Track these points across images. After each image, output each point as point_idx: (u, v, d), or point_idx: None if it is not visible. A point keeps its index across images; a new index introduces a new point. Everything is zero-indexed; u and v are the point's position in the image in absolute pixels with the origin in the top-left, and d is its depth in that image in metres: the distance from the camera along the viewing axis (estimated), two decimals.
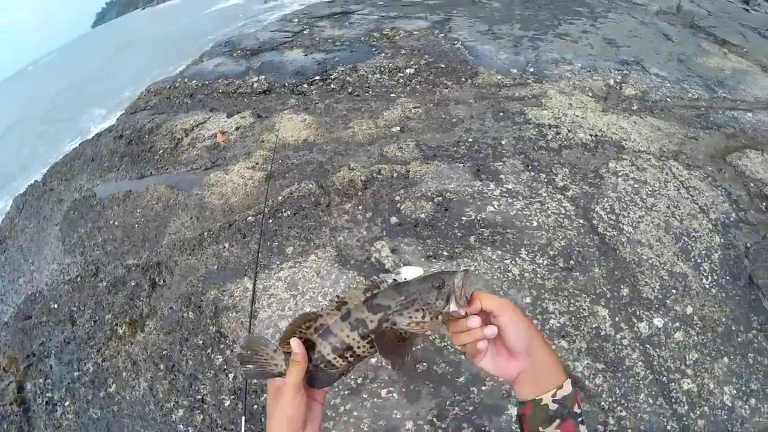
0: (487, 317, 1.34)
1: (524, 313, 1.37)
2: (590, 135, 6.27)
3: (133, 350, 4.68)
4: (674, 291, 4.15)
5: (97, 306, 5.50)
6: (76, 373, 4.92)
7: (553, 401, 1.27)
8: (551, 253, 4.45)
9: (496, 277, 4.26)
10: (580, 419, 1.29)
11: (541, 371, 1.33)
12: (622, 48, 9.71)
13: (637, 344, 3.77)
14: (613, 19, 11.59)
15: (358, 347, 1.37)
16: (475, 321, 1.29)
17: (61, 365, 5.10)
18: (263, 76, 10.34)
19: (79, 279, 6.01)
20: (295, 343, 1.35)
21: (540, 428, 1.28)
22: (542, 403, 1.28)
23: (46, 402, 4.91)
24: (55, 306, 5.87)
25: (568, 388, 1.30)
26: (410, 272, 1.50)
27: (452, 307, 1.30)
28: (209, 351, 4.37)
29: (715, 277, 4.40)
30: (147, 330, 4.81)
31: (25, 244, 7.69)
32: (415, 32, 11.28)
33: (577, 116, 6.73)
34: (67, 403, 4.72)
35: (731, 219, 5.10)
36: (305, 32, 13.20)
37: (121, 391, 4.40)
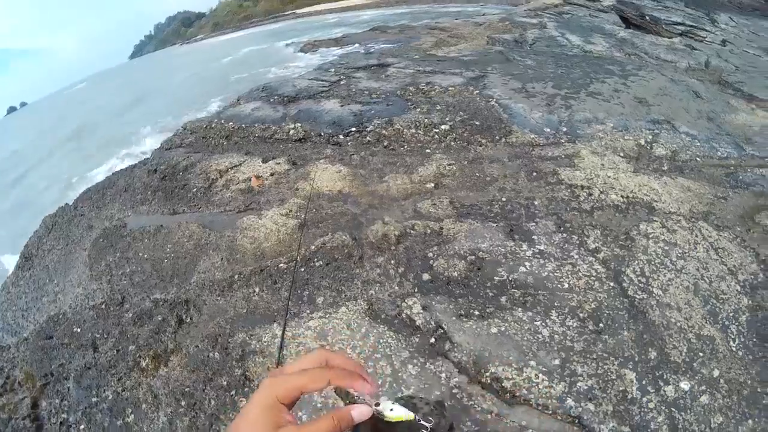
0: None
1: None
2: (622, 196, 6.33)
3: (155, 383, 4.73)
4: (701, 354, 4.15)
5: (122, 336, 5.59)
6: (94, 399, 4.99)
7: None
8: (581, 315, 4.48)
9: (526, 339, 4.28)
10: None
11: None
12: (652, 107, 9.77)
13: (663, 408, 3.76)
14: (644, 77, 11.67)
15: None
16: None
17: (79, 389, 5.17)
18: (299, 124, 10.52)
19: (104, 306, 6.11)
20: (366, 410, 1.12)
21: None
22: None
23: (61, 422, 4.99)
24: (78, 330, 5.96)
25: None
26: (388, 408, 1.17)
27: None
28: (233, 393, 4.41)
29: (743, 339, 4.37)
30: (171, 365, 4.87)
31: (52, 264, 7.83)
32: (450, 88, 11.43)
33: (609, 177, 6.80)
34: (83, 426, 4.80)
35: (759, 280, 5.06)
36: (342, 83, 13.44)
37: (140, 422, 4.46)
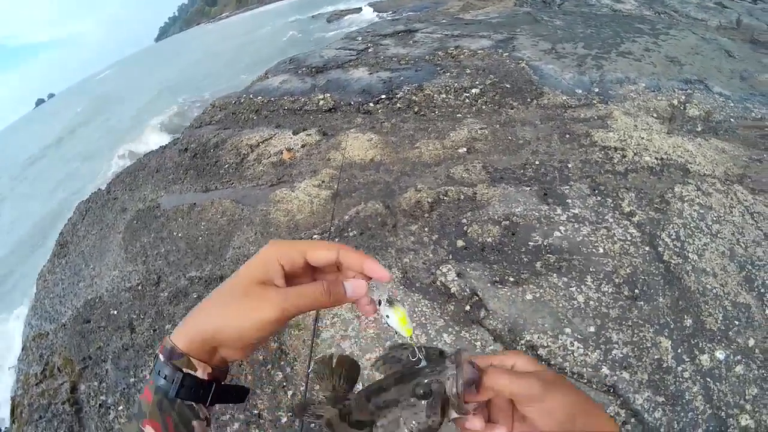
0: (507, 405, 1.06)
1: (565, 384, 1.03)
2: (656, 158, 6.28)
3: None
4: (737, 322, 4.14)
5: (158, 315, 5.71)
6: (132, 380, 5.13)
7: None
8: (616, 281, 4.48)
9: (561, 305, 4.31)
10: None
11: None
12: (684, 66, 9.65)
13: (698, 377, 3.78)
14: (675, 36, 11.50)
15: None
16: (475, 426, 1.02)
17: (117, 370, 5.30)
18: (329, 94, 10.55)
19: (140, 287, 6.25)
20: (361, 284, 1.06)
21: None
22: None
23: (99, 405, 5.12)
24: (115, 312, 6.11)
25: None
26: (396, 316, 1.09)
27: (452, 415, 1.00)
28: (269, 367, 4.50)
29: None
30: None
31: (87, 249, 7.99)
32: (479, 51, 11.36)
33: (643, 138, 6.75)
34: (121, 407, 4.95)
35: None
36: (369, 50, 13.36)
37: None
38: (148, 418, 0.95)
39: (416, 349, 1.06)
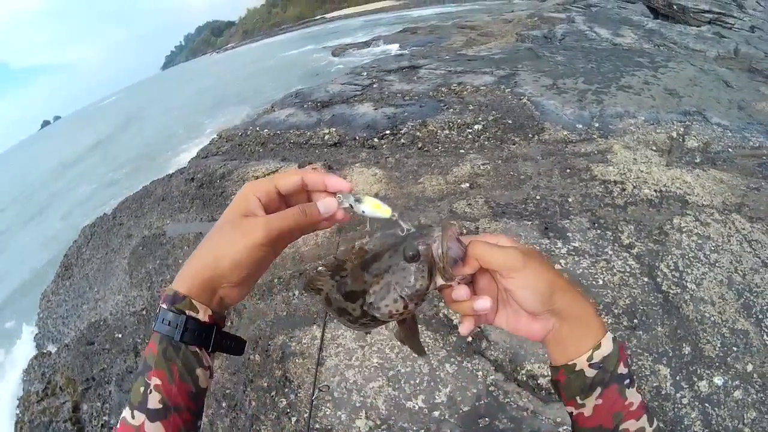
0: (490, 276, 1.13)
1: (543, 259, 1.09)
2: (655, 191, 6.36)
3: None
4: (735, 348, 4.18)
5: None
6: None
7: (590, 366, 1.04)
8: (616, 311, 4.54)
9: None
10: (626, 381, 1.05)
11: (571, 331, 1.08)
12: (683, 98, 9.76)
13: (697, 403, 3.82)
14: (673, 68, 11.63)
15: (357, 327, 1.20)
16: (461, 293, 1.08)
17: (121, 392, 5.37)
18: (334, 129, 10.64)
19: (144, 312, 6.31)
20: (331, 201, 1.17)
21: (578, 399, 1.07)
22: (576, 369, 1.06)
23: (102, 425, 5.18)
24: (120, 336, 6.17)
25: (607, 346, 1.06)
26: (369, 205, 1.18)
27: (439, 282, 1.07)
28: (273, 394, 4.52)
29: None
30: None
31: (92, 273, 8.07)
32: (482, 87, 11.48)
33: (642, 171, 6.82)
34: None
35: None
36: (374, 86, 13.49)
37: None
38: (154, 369, 1.01)
39: (401, 222, 1.14)
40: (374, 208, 1.18)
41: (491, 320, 1.18)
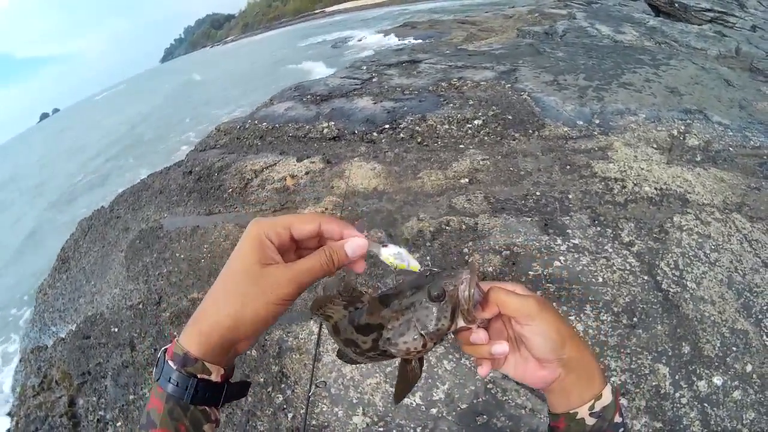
0: (502, 323, 1.19)
1: (555, 311, 1.14)
2: (655, 188, 6.34)
3: None
4: (735, 348, 4.17)
5: (159, 335, 5.73)
6: (131, 396, 5.17)
7: (591, 414, 1.09)
8: (615, 309, 4.52)
9: None
10: (620, 430, 1.11)
11: (576, 381, 1.12)
12: (684, 96, 9.72)
13: (696, 403, 3.81)
14: (675, 66, 11.59)
15: (362, 359, 1.20)
16: (480, 336, 1.12)
17: (116, 387, 5.33)
18: (333, 123, 10.58)
19: (141, 306, 6.25)
20: (361, 243, 1.16)
21: None
22: (577, 417, 1.10)
23: (98, 420, 5.15)
24: (116, 330, 6.12)
25: (607, 397, 1.11)
26: (391, 252, 1.16)
27: (459, 324, 1.10)
28: (270, 389, 4.53)
29: None
30: None
31: (88, 266, 8.03)
32: (482, 83, 11.43)
33: (643, 169, 6.81)
34: (119, 423, 4.99)
35: None
36: (374, 80, 13.43)
37: None
38: (159, 427, 0.97)
39: (428, 270, 1.14)
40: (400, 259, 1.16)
41: (500, 365, 1.20)
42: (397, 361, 1.21)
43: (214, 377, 1.03)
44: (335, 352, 4.53)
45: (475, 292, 1.07)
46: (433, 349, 4.44)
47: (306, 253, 1.12)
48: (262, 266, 1.03)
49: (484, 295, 1.12)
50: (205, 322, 1.03)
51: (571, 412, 1.11)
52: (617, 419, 1.10)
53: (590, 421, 1.09)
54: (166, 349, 1.04)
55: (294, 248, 1.15)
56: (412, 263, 1.15)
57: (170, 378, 0.99)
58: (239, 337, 1.04)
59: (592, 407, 1.09)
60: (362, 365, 4.36)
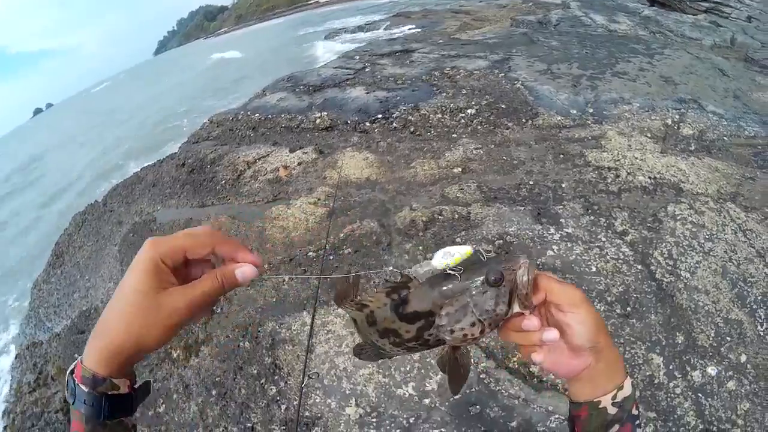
0: (546, 310, 1.15)
1: (592, 304, 1.12)
2: (649, 177, 6.32)
3: (185, 374, 4.84)
4: (729, 339, 4.15)
5: None
6: None
7: (613, 404, 1.10)
8: (609, 299, 4.49)
9: None
10: (637, 422, 1.11)
11: (604, 371, 1.11)
12: (679, 86, 9.74)
13: (690, 393, 3.78)
14: (669, 56, 11.63)
15: (397, 351, 1.15)
16: (534, 322, 1.06)
17: None
18: (326, 113, 10.59)
19: None
20: (251, 270, 1.11)
21: None
22: (600, 406, 1.10)
23: None
24: None
25: (628, 388, 1.12)
26: (439, 258, 1.07)
27: (515, 309, 1.05)
28: (263, 381, 4.49)
29: None
30: (201, 356, 4.96)
31: (83, 261, 8.01)
32: (475, 72, 11.45)
33: (636, 158, 6.79)
34: None
35: None
36: (367, 70, 13.44)
37: (171, 412, 4.57)
38: None
39: (480, 251, 1.07)
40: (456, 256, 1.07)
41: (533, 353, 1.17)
42: (394, 358, 1.17)
43: (123, 389, 1.05)
44: (352, 350, 4.53)
45: (531, 282, 1.02)
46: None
47: (196, 270, 1.14)
48: (159, 291, 1.04)
49: (533, 282, 1.05)
50: (108, 341, 1.04)
51: (594, 400, 1.11)
52: (635, 411, 1.11)
53: (612, 410, 1.10)
54: (73, 372, 1.04)
55: (185, 264, 1.13)
56: (462, 249, 1.08)
57: (84, 400, 1.00)
58: (142, 356, 1.07)
59: (614, 397, 1.10)
60: (358, 359, 4.33)
